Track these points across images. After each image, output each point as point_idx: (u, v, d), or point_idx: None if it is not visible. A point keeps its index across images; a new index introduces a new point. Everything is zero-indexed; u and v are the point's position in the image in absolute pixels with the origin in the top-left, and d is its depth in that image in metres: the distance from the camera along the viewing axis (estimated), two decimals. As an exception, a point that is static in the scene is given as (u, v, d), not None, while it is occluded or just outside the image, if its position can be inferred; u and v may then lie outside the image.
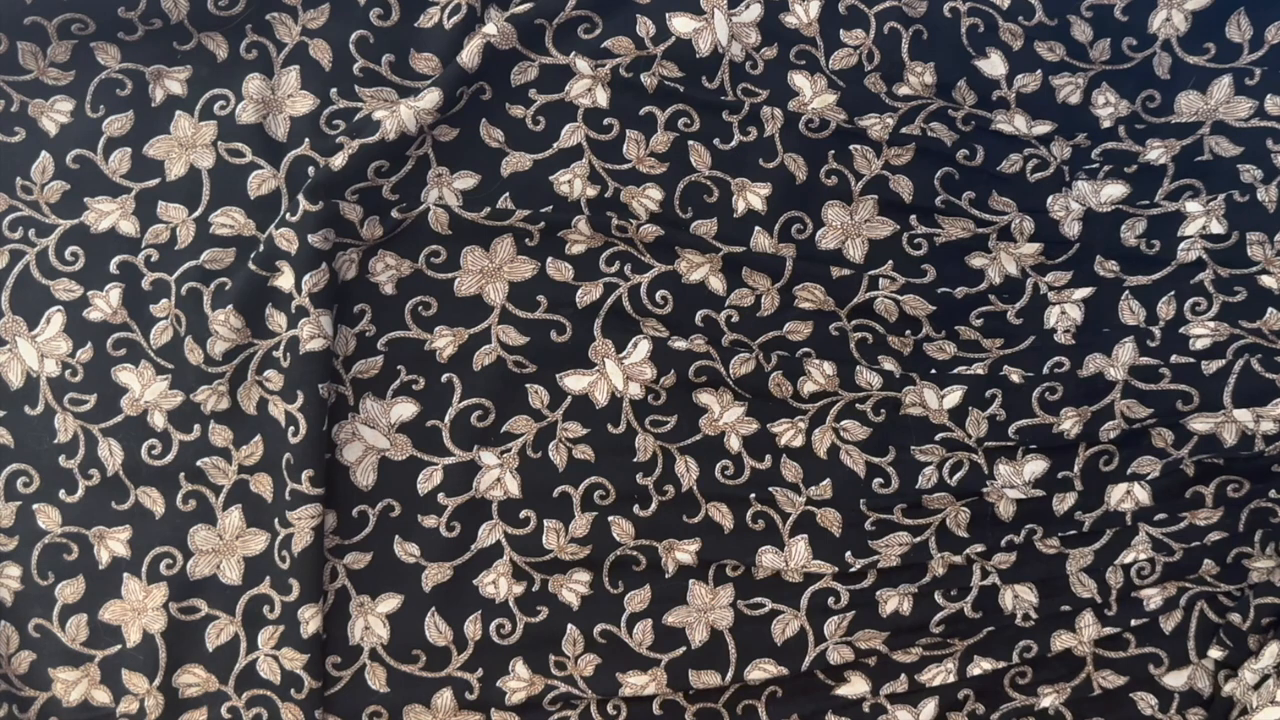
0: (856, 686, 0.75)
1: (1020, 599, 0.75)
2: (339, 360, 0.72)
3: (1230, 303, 0.76)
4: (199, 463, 0.72)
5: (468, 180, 0.73)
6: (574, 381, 0.74)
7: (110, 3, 0.70)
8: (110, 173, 0.72)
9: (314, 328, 0.69)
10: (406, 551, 0.73)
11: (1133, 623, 0.75)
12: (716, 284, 0.75)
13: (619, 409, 0.74)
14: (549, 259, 0.74)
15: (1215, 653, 0.75)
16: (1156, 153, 0.77)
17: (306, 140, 0.72)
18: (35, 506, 0.71)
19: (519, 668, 0.73)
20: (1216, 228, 0.76)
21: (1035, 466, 0.76)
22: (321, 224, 0.69)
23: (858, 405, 0.75)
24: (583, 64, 0.74)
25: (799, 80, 0.76)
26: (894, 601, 0.74)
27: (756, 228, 0.75)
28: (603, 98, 0.74)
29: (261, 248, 0.71)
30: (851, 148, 0.76)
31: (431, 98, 0.71)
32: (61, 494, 0.71)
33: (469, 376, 0.73)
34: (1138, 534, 0.76)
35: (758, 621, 0.74)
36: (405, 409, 0.73)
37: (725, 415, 0.75)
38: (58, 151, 0.72)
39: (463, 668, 0.73)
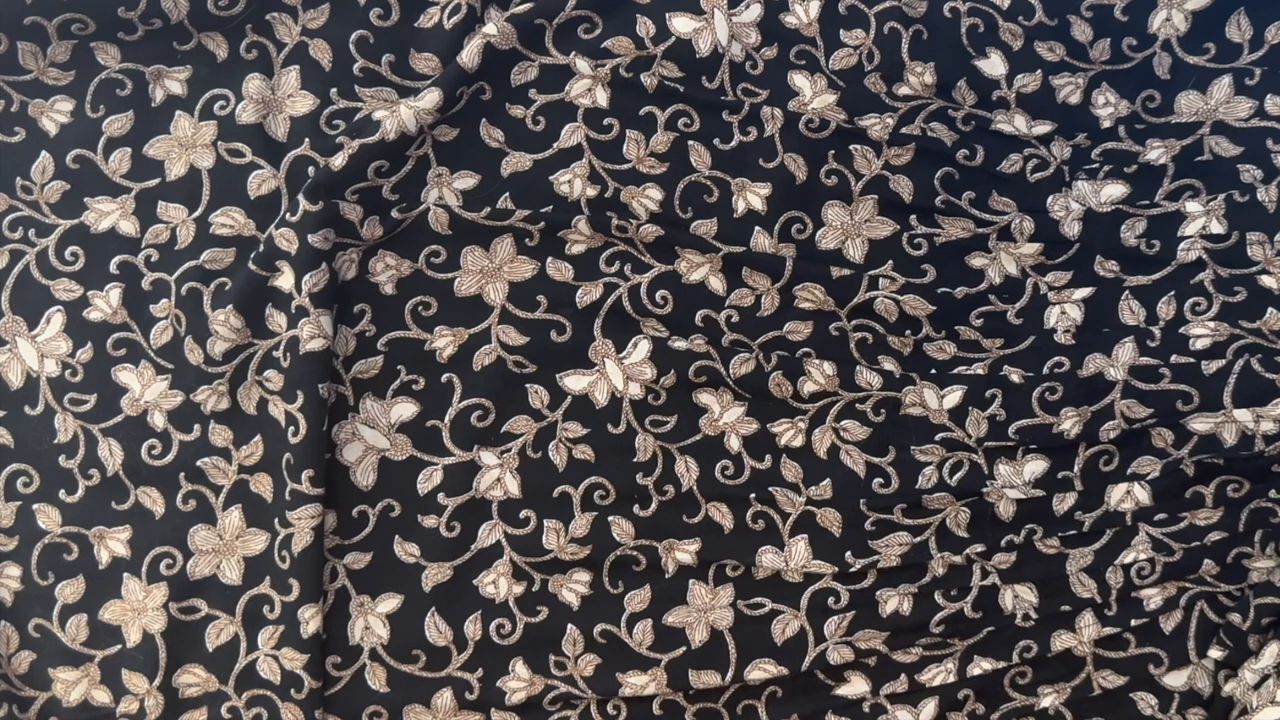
0: (856, 686, 0.75)
1: (1020, 599, 0.75)
2: (339, 360, 0.72)
3: (1230, 303, 0.76)
4: (199, 463, 0.72)
5: (468, 180, 0.73)
6: (574, 381, 0.74)
7: (110, 3, 0.70)
8: (110, 173, 0.72)
9: (314, 328, 0.69)
10: (406, 551, 0.73)
11: (1133, 623, 0.75)
12: (716, 284, 0.75)
13: (619, 409, 0.74)
14: (549, 259, 0.74)
15: (1215, 653, 0.75)
16: (1156, 153, 0.77)
17: (306, 140, 0.72)
18: (35, 506, 0.71)
19: (519, 668, 0.73)
20: (1216, 228, 0.76)
21: (1035, 466, 0.75)
22: (321, 224, 0.69)
23: (858, 405, 0.75)
24: (583, 64, 0.74)
25: (799, 80, 0.76)
26: (894, 601, 0.74)
27: (756, 228, 0.75)
28: (603, 98, 0.74)
29: (261, 248, 0.71)
30: (851, 148, 0.75)
31: (431, 98, 0.71)
32: (61, 494, 0.71)
33: (469, 376, 0.73)
34: (1138, 534, 0.76)
35: (758, 621, 0.74)
36: (405, 409, 0.73)
37: (725, 415, 0.75)
38: (58, 151, 0.72)
39: (463, 668, 0.73)
